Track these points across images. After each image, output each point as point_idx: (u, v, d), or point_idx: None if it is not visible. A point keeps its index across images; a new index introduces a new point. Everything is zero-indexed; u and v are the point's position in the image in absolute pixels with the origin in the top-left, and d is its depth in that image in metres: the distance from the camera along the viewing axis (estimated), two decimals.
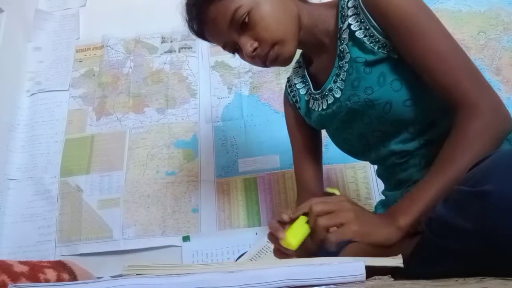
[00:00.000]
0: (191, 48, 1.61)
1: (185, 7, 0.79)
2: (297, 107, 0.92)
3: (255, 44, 0.73)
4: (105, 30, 1.66)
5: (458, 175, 0.54)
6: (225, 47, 0.79)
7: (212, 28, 0.76)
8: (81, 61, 1.64)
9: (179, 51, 1.61)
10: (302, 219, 0.59)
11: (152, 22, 1.62)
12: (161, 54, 1.61)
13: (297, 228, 0.58)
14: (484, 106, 0.60)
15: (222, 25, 0.73)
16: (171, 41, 1.62)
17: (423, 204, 0.56)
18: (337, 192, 0.67)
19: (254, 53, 0.73)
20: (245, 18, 0.71)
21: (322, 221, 0.55)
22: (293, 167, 0.99)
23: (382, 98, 0.69)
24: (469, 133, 0.59)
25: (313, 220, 0.56)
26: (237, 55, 0.81)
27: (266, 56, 0.74)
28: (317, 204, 0.57)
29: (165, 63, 1.59)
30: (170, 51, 1.61)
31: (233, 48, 0.78)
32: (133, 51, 1.62)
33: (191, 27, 0.80)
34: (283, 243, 0.58)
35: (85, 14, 1.72)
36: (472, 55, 1.38)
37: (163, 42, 1.63)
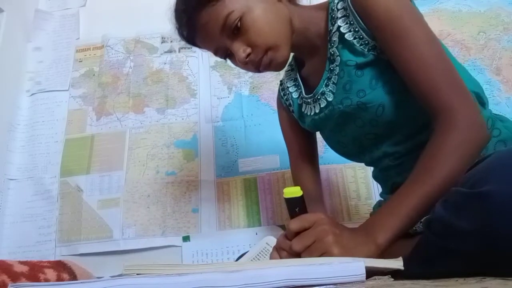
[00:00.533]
0: (191, 48, 1.60)
1: (174, 14, 0.77)
2: (291, 110, 0.92)
3: (248, 50, 0.71)
4: (105, 30, 1.66)
5: (436, 188, 0.54)
6: (216, 53, 0.77)
7: (203, 34, 0.74)
8: (81, 61, 1.64)
9: (179, 51, 1.61)
10: None
11: (152, 22, 1.62)
12: (161, 54, 1.61)
13: None
14: (461, 117, 0.58)
15: (214, 30, 0.71)
16: (171, 41, 1.62)
17: (401, 219, 0.55)
18: (297, 193, 0.60)
19: (247, 59, 0.72)
20: (237, 23, 0.69)
21: (307, 256, 0.55)
22: None
23: (375, 101, 0.69)
24: (445, 147, 0.57)
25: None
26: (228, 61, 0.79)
27: (260, 62, 0.73)
28: (296, 243, 0.56)
29: (165, 63, 1.59)
30: (170, 51, 1.61)
31: (225, 53, 0.76)
32: (133, 51, 1.62)
33: (181, 34, 0.79)
34: None
35: (85, 14, 1.71)
36: (472, 55, 1.38)
37: (163, 42, 1.63)
